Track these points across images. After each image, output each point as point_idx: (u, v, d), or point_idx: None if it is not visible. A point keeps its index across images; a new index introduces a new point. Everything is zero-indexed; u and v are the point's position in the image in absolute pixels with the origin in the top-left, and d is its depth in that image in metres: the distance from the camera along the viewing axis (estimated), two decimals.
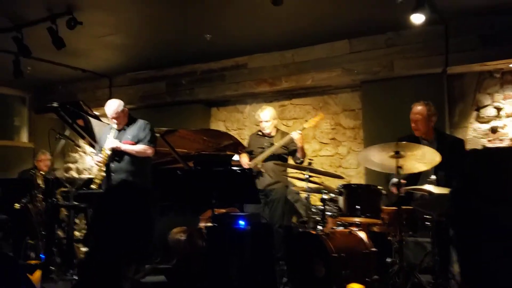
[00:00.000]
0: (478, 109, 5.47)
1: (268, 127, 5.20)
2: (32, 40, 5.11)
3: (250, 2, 4.57)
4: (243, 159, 5.22)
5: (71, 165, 8.43)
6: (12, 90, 8.05)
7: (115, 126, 4.74)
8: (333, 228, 4.15)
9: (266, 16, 4.92)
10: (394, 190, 4.05)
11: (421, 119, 4.28)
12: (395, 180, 3.94)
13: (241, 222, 3.84)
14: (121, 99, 7.24)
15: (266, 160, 5.14)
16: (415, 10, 3.91)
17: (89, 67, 6.97)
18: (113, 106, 4.73)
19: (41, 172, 5.82)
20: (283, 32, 5.47)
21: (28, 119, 8.27)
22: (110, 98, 7.32)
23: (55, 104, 5.71)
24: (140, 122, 4.89)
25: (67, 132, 5.76)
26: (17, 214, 5.16)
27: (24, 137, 8.23)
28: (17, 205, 5.04)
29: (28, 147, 8.07)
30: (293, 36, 5.62)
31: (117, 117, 4.72)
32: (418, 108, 4.31)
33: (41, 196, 5.16)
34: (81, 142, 7.35)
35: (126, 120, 4.83)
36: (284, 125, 6.46)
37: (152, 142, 4.81)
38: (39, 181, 5.20)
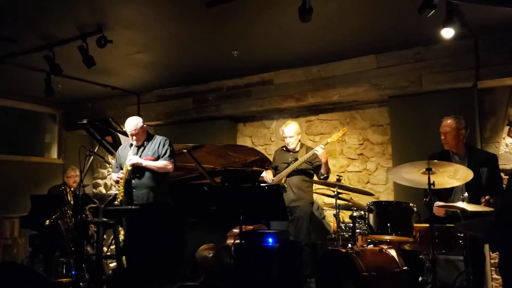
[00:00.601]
0: (510, 124, 5.34)
1: (292, 143, 5.18)
2: (63, 58, 5.22)
3: (277, 19, 4.57)
4: (268, 175, 5.20)
5: (99, 181, 8.54)
6: (43, 108, 8.22)
7: (134, 142, 4.78)
8: (363, 246, 4.08)
9: (293, 32, 4.92)
10: (440, 212, 3.99)
11: (449, 131, 4.27)
12: (440, 203, 3.90)
13: (270, 240, 3.80)
14: (149, 116, 7.48)
15: (290, 175, 5.10)
16: (445, 24, 3.85)
17: (118, 84, 7.08)
18: (133, 122, 4.78)
19: (70, 188, 5.90)
20: (310, 47, 5.46)
21: (58, 136, 8.42)
22: (138, 114, 7.50)
23: (84, 121, 5.82)
24: (159, 138, 4.96)
25: (96, 149, 5.84)
26: (47, 230, 5.23)
27: (54, 153, 8.38)
28: (47, 221, 5.10)
29: (57, 164, 8.21)
30: (319, 51, 5.60)
31: (137, 133, 4.78)
32: (448, 121, 4.32)
33: (70, 212, 5.22)
34: (110, 159, 7.46)
35: (145, 136, 4.90)
36: (311, 140, 6.42)
37: (172, 157, 4.87)
38: (69, 197, 5.26)
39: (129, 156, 4.74)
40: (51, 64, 5.22)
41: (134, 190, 4.78)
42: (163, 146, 4.86)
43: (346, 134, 5.73)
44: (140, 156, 4.79)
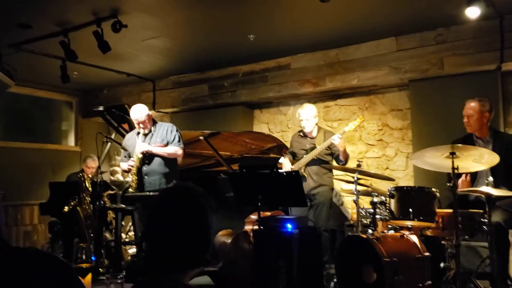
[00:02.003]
0: None
1: (308, 126, 5.07)
2: (78, 44, 5.20)
3: (294, 1, 4.48)
4: (286, 163, 5.10)
5: (117, 168, 8.57)
6: (60, 95, 8.25)
7: (142, 130, 4.77)
8: (383, 232, 4.01)
9: (310, 14, 4.82)
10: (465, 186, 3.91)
11: (472, 114, 4.15)
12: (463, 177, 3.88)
13: (289, 225, 3.75)
14: (164, 103, 7.45)
15: (309, 164, 5.03)
16: (470, 3, 3.71)
17: (133, 71, 7.06)
18: (140, 110, 4.78)
19: (88, 175, 5.92)
20: (328, 30, 5.36)
21: (75, 123, 8.46)
22: (154, 101, 7.48)
23: (101, 108, 5.82)
24: (165, 125, 4.97)
25: (113, 135, 5.84)
26: (66, 217, 5.26)
27: (71, 141, 8.42)
28: (66, 208, 5.13)
29: (75, 151, 8.25)
30: (337, 34, 5.49)
31: (143, 121, 4.77)
32: (472, 104, 4.19)
33: (88, 199, 5.24)
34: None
35: (151, 123, 4.89)
36: (329, 126, 6.33)
37: (181, 143, 4.87)
38: (87, 184, 5.28)
39: (138, 144, 4.72)
40: (66, 50, 5.21)
41: (145, 177, 4.80)
42: (171, 132, 4.88)
43: (364, 121, 5.62)
44: (149, 144, 4.79)
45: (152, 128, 4.89)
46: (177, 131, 4.92)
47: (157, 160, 4.80)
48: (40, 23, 4.98)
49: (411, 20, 5.06)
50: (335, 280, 4.03)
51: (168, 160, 4.83)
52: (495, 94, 5.09)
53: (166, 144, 4.83)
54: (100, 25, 4.86)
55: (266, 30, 5.33)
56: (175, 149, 4.81)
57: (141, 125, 4.77)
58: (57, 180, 7.08)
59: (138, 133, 4.81)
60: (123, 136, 5.82)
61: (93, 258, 2.45)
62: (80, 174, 5.46)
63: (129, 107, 5.77)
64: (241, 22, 5.08)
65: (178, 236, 1.54)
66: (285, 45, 5.90)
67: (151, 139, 4.85)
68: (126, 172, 4.97)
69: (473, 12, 3.88)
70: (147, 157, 4.78)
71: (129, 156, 4.89)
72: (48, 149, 7.91)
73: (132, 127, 5.67)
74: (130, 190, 4.75)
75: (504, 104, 5.24)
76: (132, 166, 4.73)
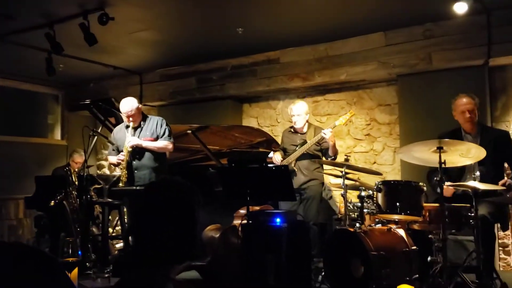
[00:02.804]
0: None
1: (299, 122, 5.08)
2: (64, 37, 5.13)
3: None
4: (277, 157, 5.13)
5: (103, 162, 8.50)
6: (45, 88, 8.13)
7: (131, 124, 4.72)
8: (371, 226, 4.03)
9: (299, 9, 4.80)
10: (449, 193, 3.92)
11: (473, 108, 4.13)
12: (449, 183, 3.86)
13: (277, 220, 3.75)
14: (152, 96, 7.39)
15: (299, 159, 5.03)
16: None
17: (120, 64, 6.99)
18: (129, 104, 4.72)
19: (75, 169, 5.86)
20: (317, 25, 5.34)
21: (61, 116, 8.36)
22: (141, 94, 7.41)
23: (87, 101, 5.74)
24: (155, 118, 4.92)
25: (99, 129, 5.78)
26: (53, 211, 5.20)
27: (57, 134, 8.33)
28: (52, 202, 5.06)
29: (61, 145, 8.16)
30: (326, 29, 5.48)
31: (133, 114, 4.72)
32: (464, 100, 4.17)
33: (75, 193, 5.19)
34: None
35: (140, 117, 4.84)
36: (317, 121, 6.33)
37: (171, 137, 4.84)
38: (73, 178, 5.22)
39: (128, 137, 4.68)
40: (52, 43, 5.13)
41: (135, 171, 4.76)
42: (161, 126, 4.83)
43: (354, 115, 5.63)
44: (138, 137, 4.74)
45: (142, 122, 4.84)
46: (167, 125, 4.87)
47: (147, 154, 4.75)
48: (24, 14, 4.90)
49: (400, 14, 5.07)
50: (323, 273, 4.04)
51: (158, 155, 4.79)
52: (483, 89, 5.12)
53: (156, 138, 4.78)
54: (86, 17, 4.79)
55: (255, 23, 5.30)
56: (165, 143, 4.76)
57: (131, 118, 4.72)
58: (43, 174, 6.99)
59: (128, 126, 4.76)
60: (110, 129, 5.76)
61: (79, 252, 2.42)
62: (67, 168, 5.40)
63: (115, 101, 5.72)
64: (230, 15, 5.05)
65: (164, 230, 1.53)
66: (275, 39, 5.88)
67: (140, 132, 4.79)
68: (114, 165, 4.92)
69: (460, 8, 3.91)
70: (137, 151, 4.74)
71: (118, 150, 4.85)
72: (34, 143, 7.80)
73: (118, 121, 5.62)
74: (120, 184, 4.70)
75: (491, 99, 5.28)
76: (122, 160, 4.68)
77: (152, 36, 5.69)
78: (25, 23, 5.11)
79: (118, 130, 4.98)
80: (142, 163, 4.76)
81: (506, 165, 4.49)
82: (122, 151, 4.72)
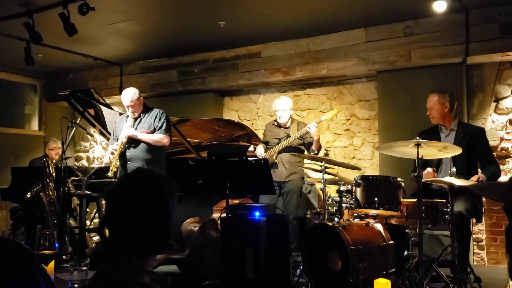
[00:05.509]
0: (497, 100, 5.35)
1: (284, 117, 5.11)
2: (43, 26, 5.04)
3: None
4: (259, 150, 5.15)
5: (82, 154, 8.41)
6: (23, 78, 7.99)
7: (131, 114, 4.68)
8: (349, 220, 4.07)
9: (281, 3, 4.81)
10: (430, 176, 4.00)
11: (432, 106, 4.30)
12: (430, 169, 4.01)
13: (256, 213, 3.76)
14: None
15: (282, 151, 5.06)
16: None
17: (100, 55, 6.90)
18: (129, 94, 4.67)
19: (52, 160, 5.79)
20: (298, 20, 5.36)
21: (39, 107, 8.23)
22: (121, 86, 7.34)
23: (66, 92, 5.66)
24: (156, 111, 4.83)
25: (78, 120, 5.70)
26: (29, 203, 5.12)
27: (35, 125, 8.20)
28: (28, 194, 4.99)
29: (38, 136, 8.04)
30: (308, 24, 5.50)
31: (133, 105, 4.67)
32: (431, 96, 4.33)
33: (52, 184, 5.12)
34: (92, 131, 7.32)
35: (141, 108, 4.78)
36: (298, 115, 6.36)
37: (168, 131, 4.76)
38: (51, 170, 5.15)
39: (125, 128, 4.63)
40: (31, 32, 5.05)
41: (129, 162, 4.69)
42: (159, 119, 4.75)
43: (340, 111, 5.68)
44: (136, 129, 4.68)
45: (142, 114, 4.78)
46: (166, 118, 4.79)
47: (142, 146, 4.68)
48: (3, 2, 4.80)
49: (381, 11, 5.11)
50: (301, 267, 4.08)
51: (153, 147, 4.70)
52: (460, 86, 5.21)
53: (153, 131, 4.71)
54: (66, 7, 4.71)
55: (237, 17, 5.28)
56: (160, 137, 4.68)
57: (131, 109, 4.67)
58: (20, 165, 6.87)
59: (128, 116, 4.72)
60: (89, 121, 5.69)
61: (56, 245, 2.39)
62: (44, 160, 5.32)
63: (95, 92, 5.66)
64: (212, 7, 5.02)
65: (137, 220, 1.53)
66: (257, 33, 5.88)
67: (138, 124, 4.73)
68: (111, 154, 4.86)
69: (440, 6, 3.96)
70: (133, 143, 4.67)
71: (118, 140, 4.79)
72: (11, 133, 7.68)
73: (97, 112, 5.56)
74: (109, 174, 4.65)
75: (468, 96, 5.36)
76: (115, 150, 4.64)
77: (132, 27, 5.63)
78: (3, 11, 5.01)
79: (120, 120, 4.93)
80: (136, 154, 4.68)
81: None
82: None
